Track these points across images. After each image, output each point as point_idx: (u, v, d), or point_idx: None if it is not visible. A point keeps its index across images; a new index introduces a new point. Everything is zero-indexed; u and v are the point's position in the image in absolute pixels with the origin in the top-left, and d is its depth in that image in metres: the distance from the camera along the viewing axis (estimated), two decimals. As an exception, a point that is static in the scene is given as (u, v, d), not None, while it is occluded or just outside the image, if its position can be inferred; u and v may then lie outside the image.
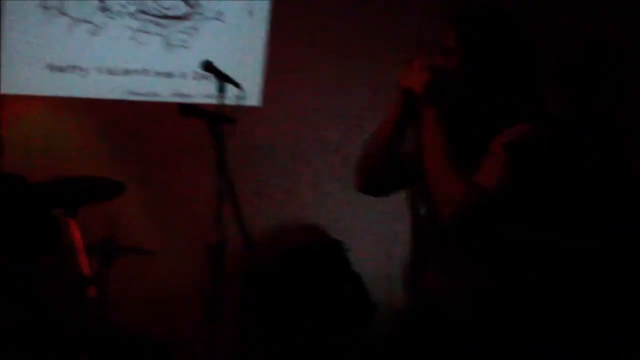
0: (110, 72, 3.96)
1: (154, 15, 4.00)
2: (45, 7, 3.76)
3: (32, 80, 3.79)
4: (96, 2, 3.85)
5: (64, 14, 3.81)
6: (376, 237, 4.48)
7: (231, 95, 3.37)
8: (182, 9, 4.06)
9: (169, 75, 4.06)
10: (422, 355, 2.31)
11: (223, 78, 3.34)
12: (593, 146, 2.36)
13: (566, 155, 2.20)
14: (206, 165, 3.31)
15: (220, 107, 3.28)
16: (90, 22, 3.86)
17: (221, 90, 3.32)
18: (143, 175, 4.06)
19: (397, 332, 2.45)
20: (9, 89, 3.74)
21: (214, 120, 3.22)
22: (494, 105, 2.24)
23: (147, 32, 4.00)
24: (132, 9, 3.95)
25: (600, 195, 2.31)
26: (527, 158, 2.13)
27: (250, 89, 3.94)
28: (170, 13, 4.04)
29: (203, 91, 4.04)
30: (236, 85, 3.38)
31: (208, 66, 3.38)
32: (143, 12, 3.98)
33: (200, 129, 3.24)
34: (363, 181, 2.42)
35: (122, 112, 4.00)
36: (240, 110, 3.37)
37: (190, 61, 3.92)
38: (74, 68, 3.88)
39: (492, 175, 2.12)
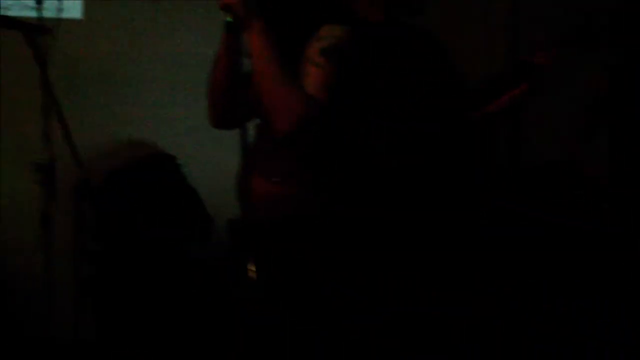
0: None
1: None
2: None
3: None
4: None
5: None
6: (210, 151, 4.48)
7: (50, 7, 3.27)
8: None
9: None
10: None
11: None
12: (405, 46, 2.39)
13: (383, 54, 2.24)
14: (32, 81, 3.21)
15: (40, 20, 3.18)
16: None
17: (39, 1, 3.21)
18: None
19: (232, 243, 2.47)
20: None
21: (31, 32, 3.11)
22: (305, 11, 2.25)
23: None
24: None
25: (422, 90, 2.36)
26: (346, 61, 2.15)
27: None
28: None
29: (21, 3, 3.88)
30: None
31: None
32: None
33: (22, 44, 3.14)
34: (215, 118, 2.38)
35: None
36: (62, 23, 3.26)
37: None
38: None
39: (319, 85, 2.13)
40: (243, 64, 2.26)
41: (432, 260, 2.24)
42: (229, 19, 2.15)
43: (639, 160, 3.03)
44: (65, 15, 3.41)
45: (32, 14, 3.25)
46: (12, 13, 3.85)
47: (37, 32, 3.15)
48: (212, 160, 4.32)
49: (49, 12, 3.25)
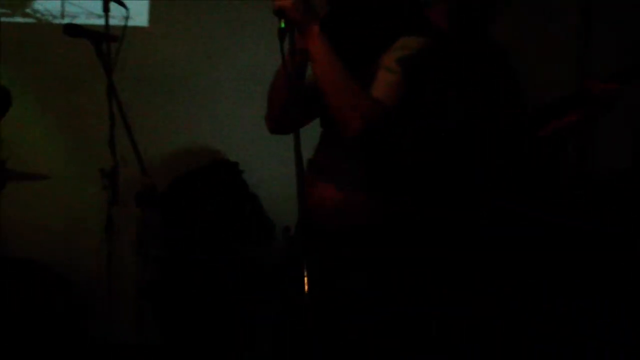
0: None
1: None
2: None
3: None
4: None
5: None
6: (271, 158, 4.49)
7: (117, 15, 3.31)
8: None
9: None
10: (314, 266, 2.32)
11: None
12: (482, 60, 2.38)
13: (456, 67, 2.23)
14: (100, 88, 3.26)
15: (106, 27, 3.22)
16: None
17: (106, 9, 3.25)
18: (38, 99, 3.98)
19: (292, 249, 2.47)
20: None
21: (98, 40, 3.15)
22: (372, 17, 2.24)
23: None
24: None
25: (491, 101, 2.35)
26: (418, 74, 2.15)
27: (136, 8, 3.87)
28: None
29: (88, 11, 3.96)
30: (121, 4, 3.31)
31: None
32: None
33: (89, 51, 3.19)
34: (273, 122, 2.37)
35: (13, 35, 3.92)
36: (128, 31, 3.30)
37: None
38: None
39: (390, 91, 2.13)
40: (306, 68, 2.26)
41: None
42: (282, 24, 2.10)
43: None
44: (132, 23, 3.44)
45: (99, 22, 3.30)
46: (79, 21, 3.92)
47: (103, 39, 3.19)
48: (271, 167, 4.33)
49: (115, 19, 3.29)
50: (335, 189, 2.30)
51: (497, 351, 2.26)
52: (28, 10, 4.15)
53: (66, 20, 4.01)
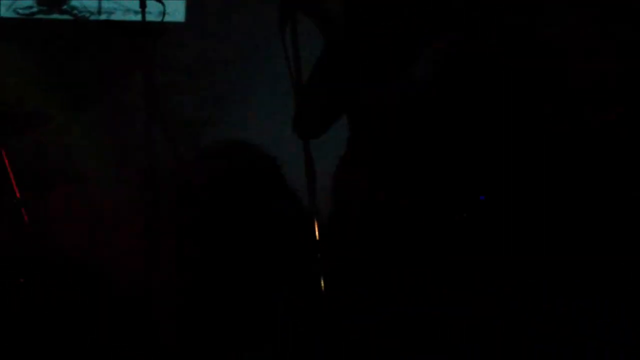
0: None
1: None
2: None
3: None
4: None
5: None
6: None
7: (154, 10, 3.30)
8: None
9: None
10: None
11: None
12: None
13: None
14: (136, 85, 3.26)
15: (143, 23, 3.20)
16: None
17: (143, 5, 3.23)
18: (75, 98, 4.00)
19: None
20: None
21: (135, 36, 3.15)
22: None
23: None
24: None
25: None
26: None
27: (173, 5, 3.86)
28: None
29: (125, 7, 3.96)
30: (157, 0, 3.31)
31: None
32: None
33: (125, 47, 3.19)
34: (304, 132, 2.44)
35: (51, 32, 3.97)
36: (165, 26, 3.29)
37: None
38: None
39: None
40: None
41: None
42: None
43: None
44: (169, 18, 3.43)
45: (136, 17, 3.28)
46: (115, 17, 3.92)
47: (140, 35, 3.18)
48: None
49: (152, 15, 3.27)
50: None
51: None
52: (65, 7, 4.16)
53: (103, 17, 4.01)
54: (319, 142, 2.51)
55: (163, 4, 3.33)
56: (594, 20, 2.40)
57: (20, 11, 4.09)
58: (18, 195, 3.33)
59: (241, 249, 3.80)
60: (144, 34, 3.23)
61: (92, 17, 4.13)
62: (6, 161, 3.35)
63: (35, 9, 4.12)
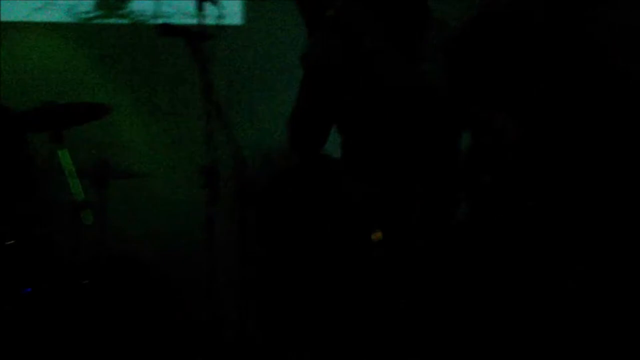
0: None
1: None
2: None
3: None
4: None
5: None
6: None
7: (211, 13, 3.31)
8: None
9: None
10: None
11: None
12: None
13: None
14: (196, 87, 3.28)
15: (201, 26, 3.22)
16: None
17: (200, 8, 3.25)
18: (136, 99, 4.05)
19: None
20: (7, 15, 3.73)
21: (193, 39, 3.16)
22: None
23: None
24: None
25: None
26: None
27: (231, 7, 3.88)
28: None
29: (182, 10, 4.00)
30: (214, 2, 3.31)
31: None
32: None
33: (184, 50, 3.21)
34: (301, 150, 2.44)
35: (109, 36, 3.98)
36: (223, 29, 3.31)
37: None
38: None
39: None
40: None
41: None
42: None
43: None
44: (227, 21, 3.45)
45: (193, 20, 3.30)
46: (173, 21, 3.96)
47: (198, 38, 3.19)
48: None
49: (210, 18, 3.29)
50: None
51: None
52: (123, 12, 4.21)
53: (160, 21, 4.05)
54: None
55: (219, 7, 3.34)
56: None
57: (80, 15, 4.16)
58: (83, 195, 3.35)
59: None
60: (202, 36, 3.25)
61: (150, 21, 4.18)
62: (69, 162, 3.36)
63: (94, 14, 4.19)
